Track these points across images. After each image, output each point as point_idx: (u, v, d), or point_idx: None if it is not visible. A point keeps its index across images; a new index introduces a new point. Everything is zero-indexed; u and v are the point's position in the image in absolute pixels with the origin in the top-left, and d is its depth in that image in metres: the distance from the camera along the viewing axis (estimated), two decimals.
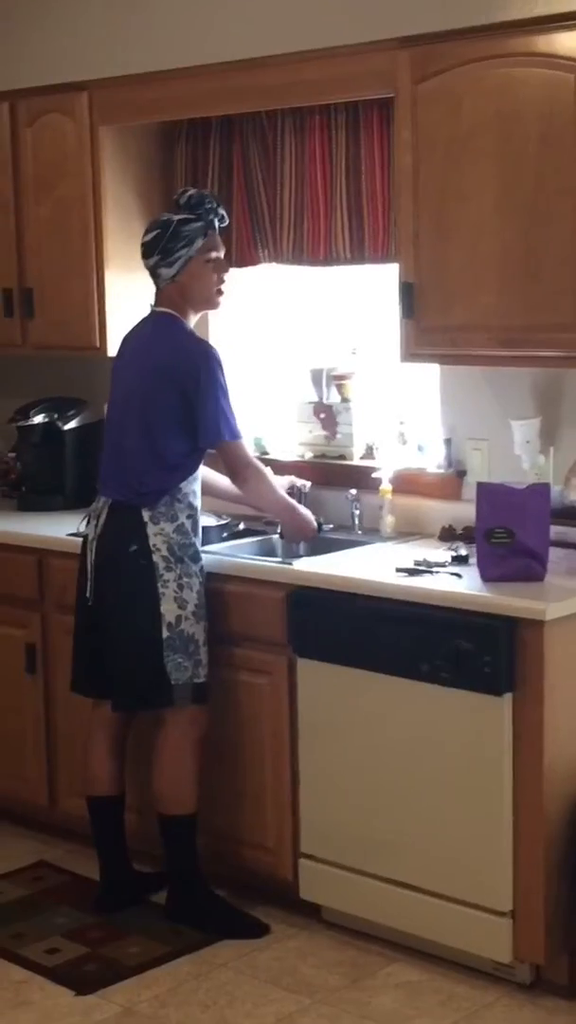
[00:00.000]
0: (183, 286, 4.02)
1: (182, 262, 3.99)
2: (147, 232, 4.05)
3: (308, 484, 4.53)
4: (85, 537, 4.09)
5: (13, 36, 4.85)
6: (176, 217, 3.99)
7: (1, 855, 4.58)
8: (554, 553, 3.79)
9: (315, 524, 4.25)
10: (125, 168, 4.74)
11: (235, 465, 4.05)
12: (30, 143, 4.85)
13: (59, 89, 4.74)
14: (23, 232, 4.92)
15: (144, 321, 4.14)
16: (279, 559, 4.21)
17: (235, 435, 4.00)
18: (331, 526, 4.48)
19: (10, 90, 4.88)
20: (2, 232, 4.96)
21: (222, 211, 4.05)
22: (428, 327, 3.99)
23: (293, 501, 4.24)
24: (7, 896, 4.29)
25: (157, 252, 3.99)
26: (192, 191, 4.06)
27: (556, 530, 3.81)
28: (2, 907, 4.22)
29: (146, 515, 3.95)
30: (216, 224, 4.03)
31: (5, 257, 4.96)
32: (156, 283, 4.07)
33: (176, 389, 3.94)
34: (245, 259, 4.68)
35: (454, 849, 3.71)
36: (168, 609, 3.93)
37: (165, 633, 3.92)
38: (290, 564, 4.05)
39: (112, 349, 4.36)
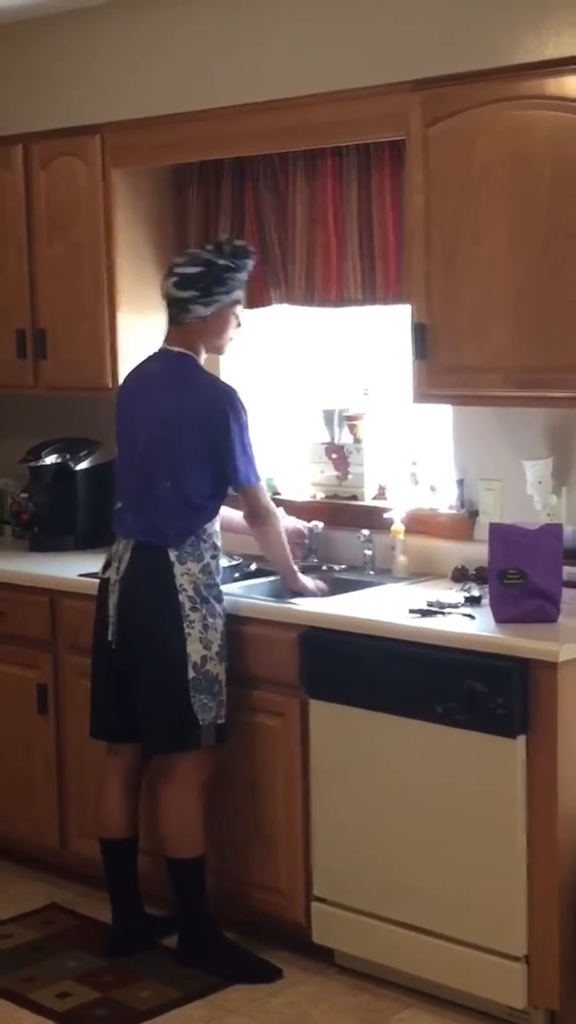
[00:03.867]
0: (207, 328, 4.02)
1: (217, 307, 4.00)
2: (189, 264, 4.02)
3: (320, 524, 4.54)
4: (105, 580, 4.06)
5: (27, 79, 4.89)
6: (220, 261, 4.00)
7: (12, 898, 4.56)
8: (567, 594, 3.78)
9: (315, 591, 4.18)
10: (137, 210, 4.77)
11: (256, 509, 4.07)
12: (43, 185, 4.88)
13: (72, 132, 4.77)
14: (36, 274, 4.94)
15: (154, 359, 4.13)
16: (291, 599, 4.19)
17: (259, 479, 4.04)
18: (343, 566, 4.47)
19: (24, 133, 4.91)
20: (15, 273, 4.98)
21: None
22: (440, 368, 3.99)
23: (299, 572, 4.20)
24: (17, 939, 4.26)
25: (197, 289, 3.99)
26: (240, 241, 4.09)
27: (569, 571, 3.80)
28: (12, 950, 4.20)
29: (173, 555, 3.94)
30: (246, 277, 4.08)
31: (18, 298, 4.98)
32: (177, 316, 4.04)
33: (203, 433, 3.95)
34: (257, 300, 4.69)
35: (468, 893, 3.68)
36: (194, 649, 3.92)
37: (191, 674, 3.91)
38: (302, 605, 4.04)
39: None
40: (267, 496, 4.11)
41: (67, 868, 4.65)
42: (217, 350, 4.12)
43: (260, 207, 4.66)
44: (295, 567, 4.19)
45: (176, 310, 4.04)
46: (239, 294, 4.06)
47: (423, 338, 4.00)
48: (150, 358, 4.16)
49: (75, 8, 4.67)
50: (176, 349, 4.06)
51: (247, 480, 4.01)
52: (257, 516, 4.08)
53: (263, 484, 4.09)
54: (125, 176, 4.72)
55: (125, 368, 4.64)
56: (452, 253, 3.92)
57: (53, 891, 4.59)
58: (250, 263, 4.07)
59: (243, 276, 4.05)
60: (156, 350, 4.15)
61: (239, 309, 4.08)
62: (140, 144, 4.64)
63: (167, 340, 4.10)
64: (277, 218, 4.63)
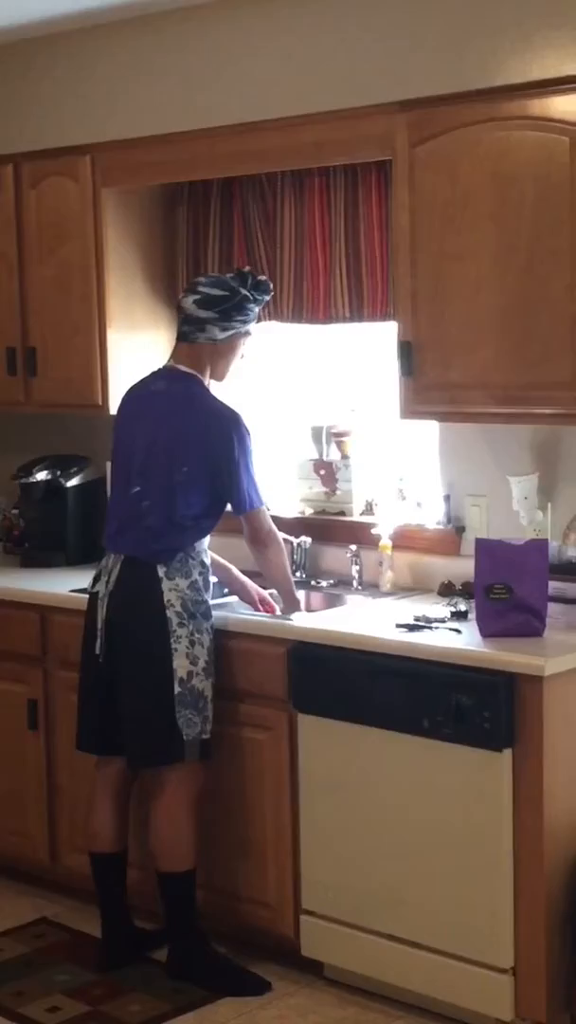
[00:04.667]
0: (217, 351, 4.06)
1: (231, 333, 4.05)
2: (213, 286, 4.05)
3: (308, 540, 4.57)
4: (94, 595, 4.09)
5: (17, 99, 4.93)
6: (243, 291, 4.04)
7: (2, 912, 4.56)
8: (553, 608, 3.81)
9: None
10: (127, 229, 4.80)
11: (259, 532, 4.09)
12: (34, 204, 4.91)
13: (62, 152, 4.80)
14: (27, 292, 4.97)
15: (158, 377, 4.13)
16: (279, 615, 4.22)
17: (261, 503, 4.07)
18: (331, 582, 4.51)
19: (14, 152, 4.94)
20: (6, 292, 5.01)
21: None
22: (427, 385, 4.02)
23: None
24: (8, 954, 4.27)
25: (217, 311, 4.02)
26: (264, 276, 4.15)
27: (555, 585, 3.83)
28: (2, 965, 4.20)
29: (161, 571, 3.97)
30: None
31: (9, 316, 5.01)
32: (191, 335, 4.06)
33: (205, 455, 3.98)
34: None
35: (455, 905, 3.70)
36: (180, 665, 3.94)
37: (177, 689, 3.93)
38: (290, 620, 4.07)
39: (114, 408, 4.38)
40: (269, 519, 4.13)
41: (57, 883, 4.66)
42: (219, 376, 4.14)
43: (248, 226, 4.70)
44: (296, 594, 4.22)
45: (191, 328, 4.06)
46: (252, 327, 4.11)
47: (409, 355, 4.03)
48: (155, 375, 4.16)
49: (65, 30, 4.70)
50: (183, 368, 4.08)
51: (250, 503, 4.03)
52: (259, 539, 4.11)
53: (265, 508, 4.12)
54: (115, 195, 4.76)
55: (115, 386, 4.68)
56: (438, 271, 3.96)
57: (43, 905, 4.60)
58: (267, 299, 4.14)
59: (258, 310, 4.10)
60: (161, 366, 4.16)
61: (247, 341, 4.13)
62: (130, 164, 4.67)
63: (175, 357, 4.13)
64: (265, 237, 4.67)
